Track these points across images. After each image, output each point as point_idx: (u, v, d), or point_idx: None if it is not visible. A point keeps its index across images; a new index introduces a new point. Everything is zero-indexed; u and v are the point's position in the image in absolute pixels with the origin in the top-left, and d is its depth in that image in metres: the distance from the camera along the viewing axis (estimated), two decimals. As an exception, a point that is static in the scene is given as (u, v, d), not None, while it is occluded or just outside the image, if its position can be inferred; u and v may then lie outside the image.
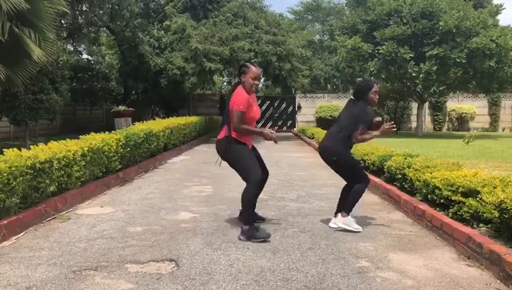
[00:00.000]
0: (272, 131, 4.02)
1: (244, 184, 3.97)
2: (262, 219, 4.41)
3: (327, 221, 4.52)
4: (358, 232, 4.12)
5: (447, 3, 16.47)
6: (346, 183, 4.40)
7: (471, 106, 23.56)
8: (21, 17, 7.10)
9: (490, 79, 16.73)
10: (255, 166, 3.93)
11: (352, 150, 7.89)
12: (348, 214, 4.20)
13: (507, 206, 3.28)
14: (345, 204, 4.24)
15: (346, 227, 4.15)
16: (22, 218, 4.01)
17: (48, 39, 7.63)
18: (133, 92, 18.81)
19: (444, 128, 23.87)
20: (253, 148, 4.23)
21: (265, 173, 4.26)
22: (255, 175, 3.88)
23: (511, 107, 23.87)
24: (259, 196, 4.09)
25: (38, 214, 4.29)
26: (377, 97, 4.37)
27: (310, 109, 24.02)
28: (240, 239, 3.82)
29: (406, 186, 5.26)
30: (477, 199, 3.75)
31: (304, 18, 36.31)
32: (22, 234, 3.91)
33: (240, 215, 4.28)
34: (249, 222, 3.89)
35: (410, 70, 16.23)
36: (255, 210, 4.14)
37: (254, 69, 3.94)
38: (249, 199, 3.89)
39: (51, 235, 3.92)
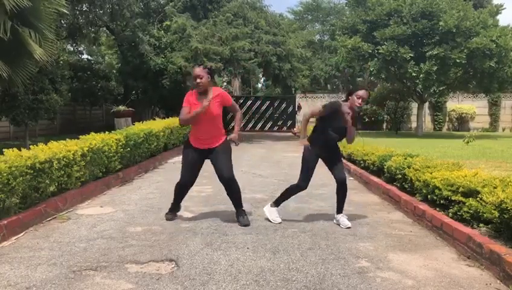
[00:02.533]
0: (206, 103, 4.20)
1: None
2: (244, 223, 4.37)
3: (327, 221, 4.53)
4: (348, 228, 4.27)
5: (447, 3, 16.46)
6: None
7: (471, 106, 23.54)
8: (21, 17, 7.10)
9: (490, 79, 16.72)
10: (185, 172, 4.43)
11: (352, 150, 7.87)
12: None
13: (507, 206, 3.28)
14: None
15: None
16: (22, 218, 4.01)
17: (48, 39, 7.63)
18: (133, 92, 18.77)
19: (444, 128, 23.85)
20: (217, 152, 4.34)
21: (223, 181, 4.40)
22: (181, 178, 4.47)
23: (511, 107, 23.85)
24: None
25: (38, 214, 4.29)
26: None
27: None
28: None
29: (406, 186, 5.26)
30: (477, 199, 3.75)
31: (303, 18, 36.29)
32: (21, 234, 3.91)
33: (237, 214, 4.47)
34: (172, 205, 4.63)
35: (410, 70, 16.23)
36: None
37: (194, 69, 4.39)
38: (175, 190, 4.57)
39: (51, 235, 3.92)
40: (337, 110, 4.24)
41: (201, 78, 4.23)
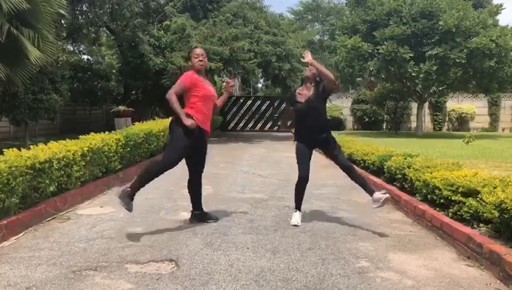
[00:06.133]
0: (194, 124, 3.99)
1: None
2: (215, 219, 4.46)
3: (327, 221, 4.53)
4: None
5: (447, 3, 16.46)
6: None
7: (471, 106, 23.56)
8: (20, 18, 7.10)
9: (490, 79, 16.73)
10: (174, 154, 4.03)
11: (352, 150, 7.85)
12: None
13: (507, 206, 3.28)
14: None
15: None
16: (22, 218, 4.01)
17: (47, 39, 7.63)
18: (133, 92, 18.78)
19: (444, 128, 23.88)
20: (200, 140, 4.17)
21: (196, 172, 4.33)
22: (167, 160, 4.02)
23: (511, 107, 23.88)
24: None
25: (38, 214, 4.29)
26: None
27: (310, 108, 23.91)
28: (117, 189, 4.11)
29: (406, 186, 5.26)
30: (477, 199, 3.75)
31: (303, 18, 36.35)
32: (21, 234, 3.91)
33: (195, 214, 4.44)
34: (134, 188, 4.01)
35: (410, 70, 16.23)
36: (207, 210, 4.49)
37: (195, 49, 4.26)
38: (149, 171, 4.07)
39: (51, 236, 3.92)
40: (295, 96, 4.43)
41: (204, 57, 4.21)
